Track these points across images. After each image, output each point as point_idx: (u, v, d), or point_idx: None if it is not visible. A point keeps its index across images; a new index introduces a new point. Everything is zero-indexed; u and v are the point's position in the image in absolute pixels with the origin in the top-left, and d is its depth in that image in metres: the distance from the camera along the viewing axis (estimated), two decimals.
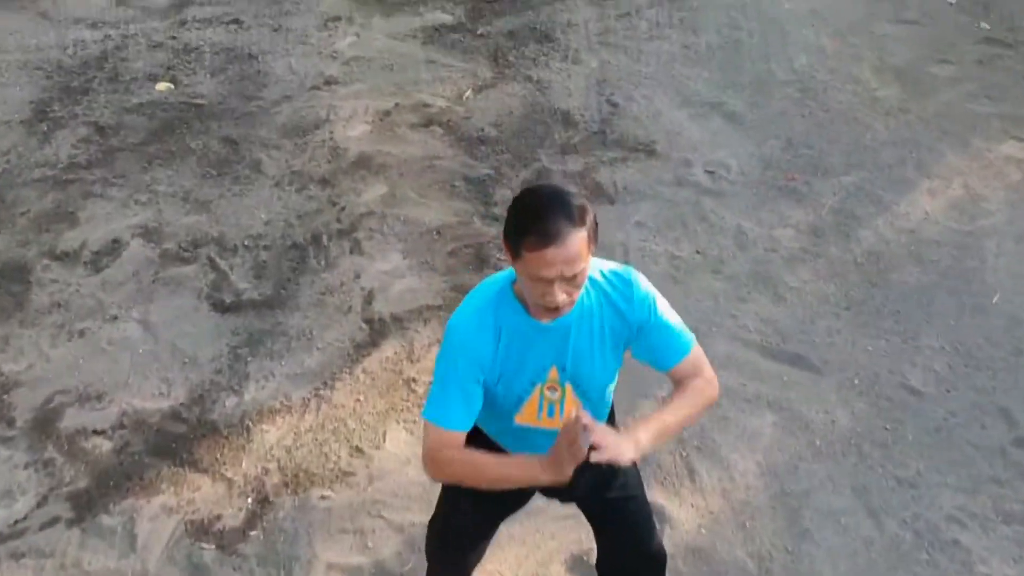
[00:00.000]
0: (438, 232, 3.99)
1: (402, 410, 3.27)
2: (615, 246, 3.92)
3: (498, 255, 3.87)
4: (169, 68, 4.93)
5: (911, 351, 3.51)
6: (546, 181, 1.71)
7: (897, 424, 3.26)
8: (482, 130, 4.54)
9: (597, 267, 1.90)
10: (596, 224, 1.76)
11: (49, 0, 5.48)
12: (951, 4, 5.54)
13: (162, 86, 4.81)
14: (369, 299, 3.68)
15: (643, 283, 1.92)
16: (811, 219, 4.08)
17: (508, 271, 1.90)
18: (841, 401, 3.33)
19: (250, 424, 3.22)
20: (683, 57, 5.06)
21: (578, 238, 1.70)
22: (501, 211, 4.09)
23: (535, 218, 1.70)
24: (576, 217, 1.71)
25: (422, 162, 4.35)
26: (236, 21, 5.29)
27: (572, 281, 1.74)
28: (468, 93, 4.77)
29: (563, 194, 1.75)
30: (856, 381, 3.40)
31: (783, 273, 3.82)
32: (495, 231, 3.98)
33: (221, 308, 3.63)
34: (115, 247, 3.87)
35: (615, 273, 1.92)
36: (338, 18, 5.34)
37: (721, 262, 3.86)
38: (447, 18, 5.34)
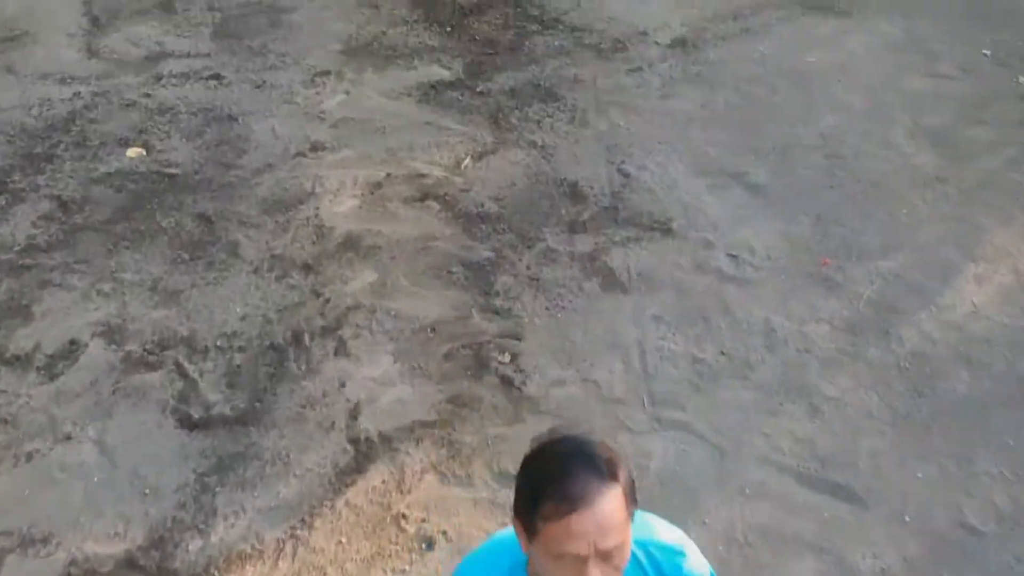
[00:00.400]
0: (433, 329, 3.58)
1: (390, 555, 2.87)
2: (630, 345, 3.52)
3: (499, 358, 3.47)
4: (141, 131, 4.53)
5: (966, 478, 3.11)
6: (559, 433, 1.29)
7: (956, 572, 2.85)
8: (482, 205, 4.14)
9: (641, 533, 1.48)
10: (632, 480, 1.36)
11: (17, 52, 5.10)
12: (986, 55, 5.15)
13: (133, 152, 4.41)
14: (355, 413, 3.28)
15: (695, 564, 1.51)
16: (847, 313, 3.67)
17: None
18: (891, 542, 2.93)
19: (216, 574, 2.82)
20: (700, 118, 4.66)
21: (611, 496, 1.31)
22: (502, 303, 3.69)
23: (553, 478, 1.31)
24: (606, 471, 1.32)
25: (416, 243, 3.95)
26: (216, 76, 4.89)
27: (610, 560, 1.31)
28: (467, 161, 4.37)
29: (585, 444, 1.35)
30: (906, 517, 2.99)
31: (819, 380, 3.41)
32: (496, 328, 3.59)
33: (188, 425, 3.23)
34: (72, 349, 3.47)
35: (664, 549, 1.51)
36: (327, 72, 4.94)
37: (749, 366, 3.45)
38: (444, 73, 4.94)
